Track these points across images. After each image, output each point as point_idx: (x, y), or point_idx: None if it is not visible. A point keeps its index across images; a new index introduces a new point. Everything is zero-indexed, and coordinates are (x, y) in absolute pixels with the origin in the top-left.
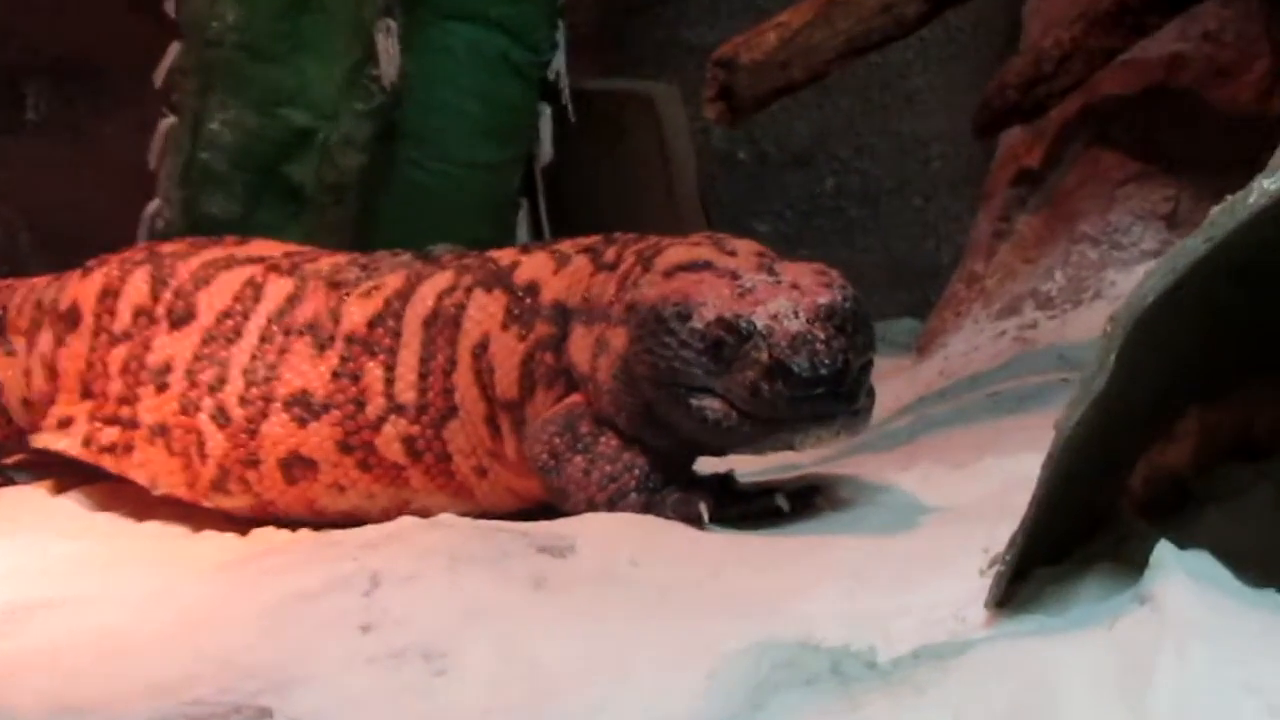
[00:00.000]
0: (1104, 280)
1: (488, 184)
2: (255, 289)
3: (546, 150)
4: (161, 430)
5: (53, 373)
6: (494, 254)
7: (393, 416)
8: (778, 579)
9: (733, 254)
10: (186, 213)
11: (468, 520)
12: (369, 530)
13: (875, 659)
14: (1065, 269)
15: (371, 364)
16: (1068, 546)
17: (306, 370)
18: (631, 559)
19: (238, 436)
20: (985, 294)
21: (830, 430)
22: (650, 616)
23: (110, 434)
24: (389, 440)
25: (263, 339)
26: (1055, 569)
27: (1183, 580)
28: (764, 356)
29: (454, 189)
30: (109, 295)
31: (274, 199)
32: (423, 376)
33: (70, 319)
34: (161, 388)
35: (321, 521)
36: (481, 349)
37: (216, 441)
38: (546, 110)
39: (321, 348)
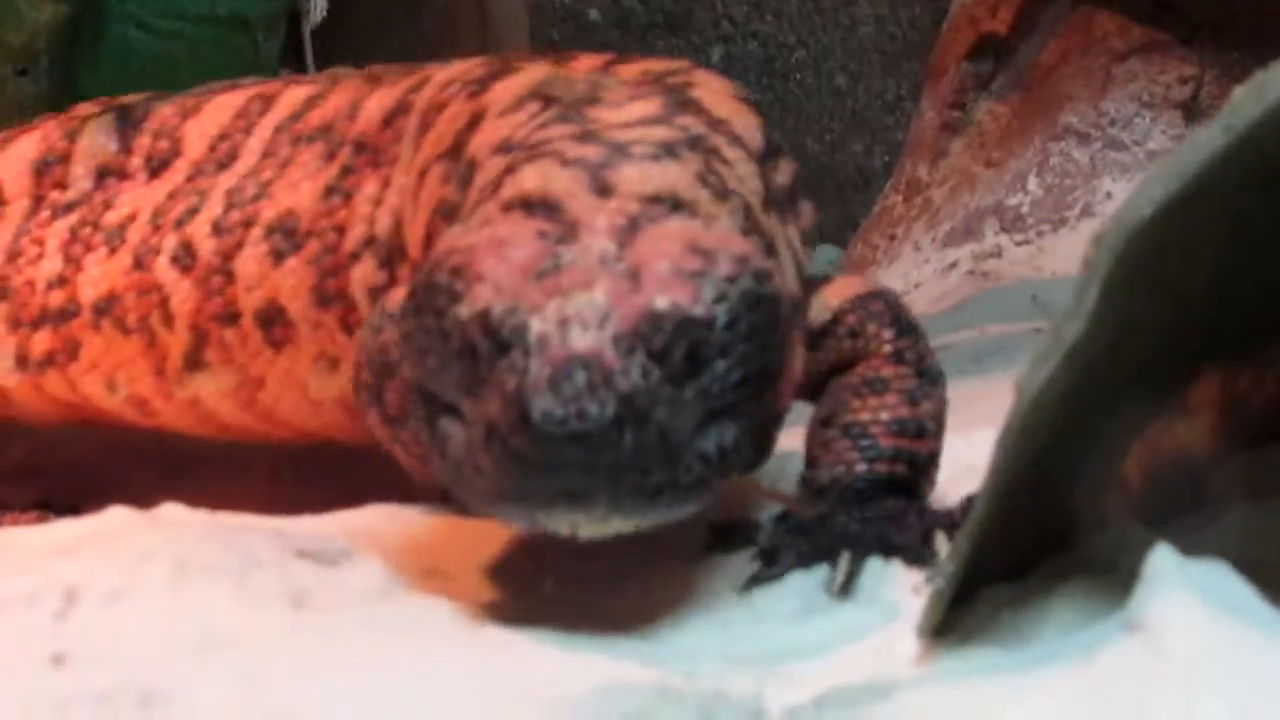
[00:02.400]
0: (1095, 191)
1: (235, 48)
2: (265, 101)
3: (319, 5)
4: (108, 304)
5: None
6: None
7: (366, 252)
8: (633, 599)
9: (604, 192)
10: None
11: (202, 515)
12: (62, 529)
13: (763, 708)
14: (1043, 176)
15: (372, 178)
16: (1032, 557)
17: (302, 185)
18: (429, 567)
19: (209, 281)
20: (931, 210)
21: (591, 516)
22: (451, 647)
23: (44, 338)
24: (359, 285)
25: (265, 154)
26: (1014, 587)
27: (1187, 601)
28: (509, 385)
29: (187, 55)
30: (52, 163)
31: None
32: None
33: None
34: (115, 248)
35: (326, 429)
36: (421, 176)
37: (183, 293)
38: None
39: (330, 156)
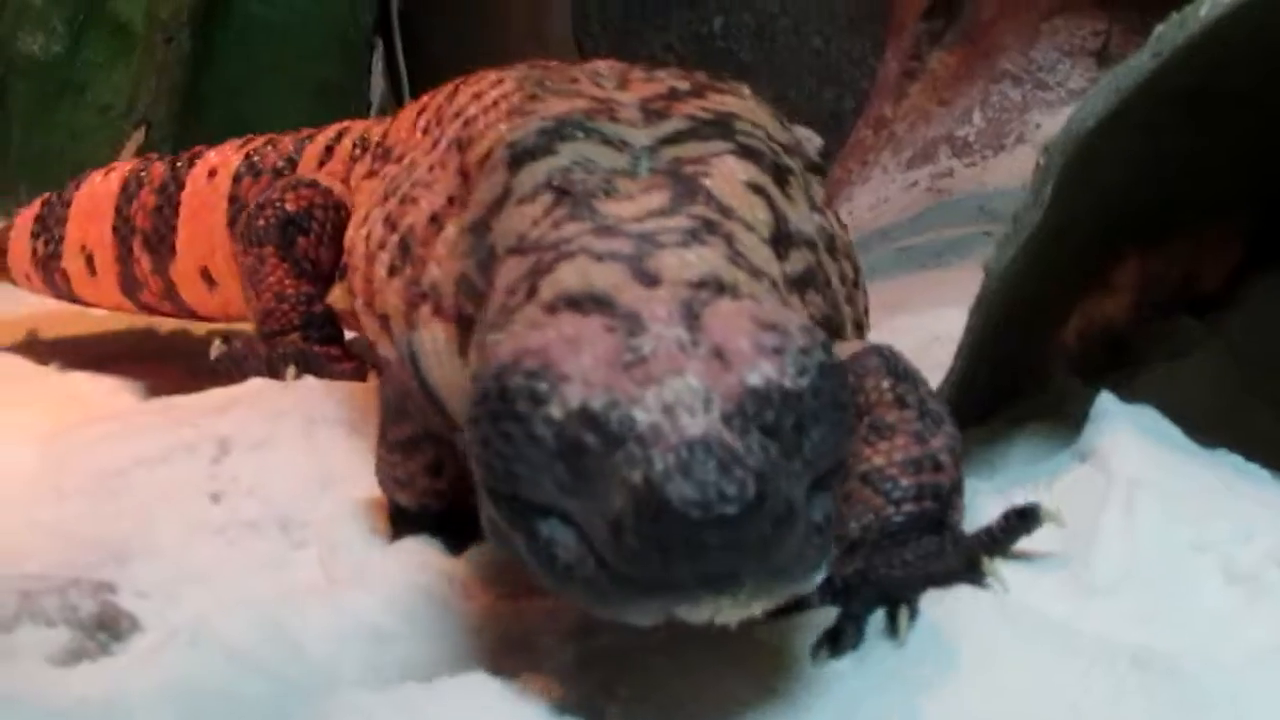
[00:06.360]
0: (1027, 123)
1: (338, 20)
2: (492, 86)
3: None
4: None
5: None
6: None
7: (431, 295)
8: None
9: (651, 281)
10: (1, 53)
11: (324, 382)
12: (216, 393)
13: None
14: (984, 111)
15: (455, 218)
16: (994, 405)
17: (429, 202)
18: None
19: (367, 270)
20: (894, 140)
21: (736, 599)
22: None
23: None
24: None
25: (448, 147)
26: (982, 429)
27: (1128, 434)
28: (635, 476)
29: (299, 25)
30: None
31: (99, 37)
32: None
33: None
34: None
35: None
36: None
37: (359, 277)
38: None
39: (455, 176)
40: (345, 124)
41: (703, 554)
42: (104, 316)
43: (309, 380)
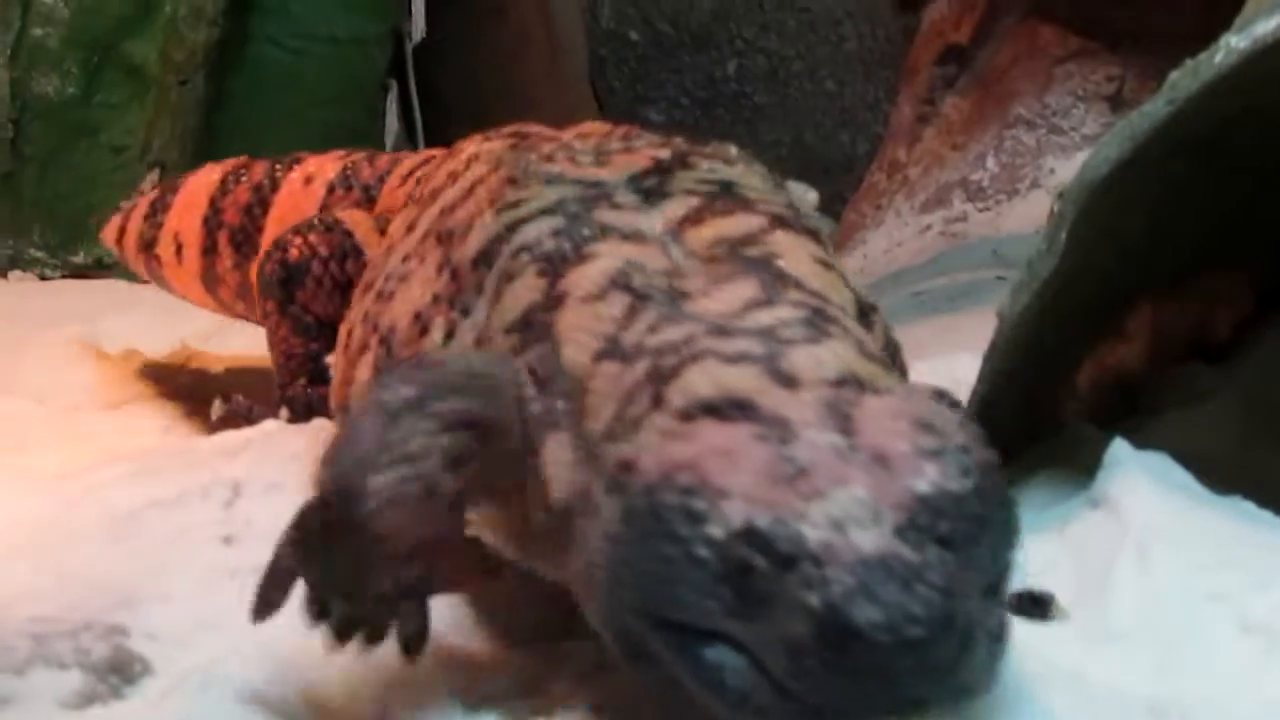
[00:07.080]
0: (1041, 168)
1: (352, 62)
2: (467, 165)
3: (419, 26)
4: None
5: None
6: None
7: None
8: None
9: (790, 382)
10: (16, 95)
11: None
12: (228, 436)
13: None
14: (998, 156)
15: (441, 317)
16: (1007, 451)
17: (410, 298)
18: None
19: (346, 372)
20: (908, 184)
21: (922, 718)
22: None
23: None
24: None
25: (423, 238)
26: None
27: (1141, 481)
28: (814, 600)
29: (314, 68)
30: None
31: (114, 79)
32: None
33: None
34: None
35: None
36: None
37: (338, 375)
38: None
39: (439, 271)
40: (432, 153)
41: (891, 679)
42: (119, 359)
43: (321, 423)
